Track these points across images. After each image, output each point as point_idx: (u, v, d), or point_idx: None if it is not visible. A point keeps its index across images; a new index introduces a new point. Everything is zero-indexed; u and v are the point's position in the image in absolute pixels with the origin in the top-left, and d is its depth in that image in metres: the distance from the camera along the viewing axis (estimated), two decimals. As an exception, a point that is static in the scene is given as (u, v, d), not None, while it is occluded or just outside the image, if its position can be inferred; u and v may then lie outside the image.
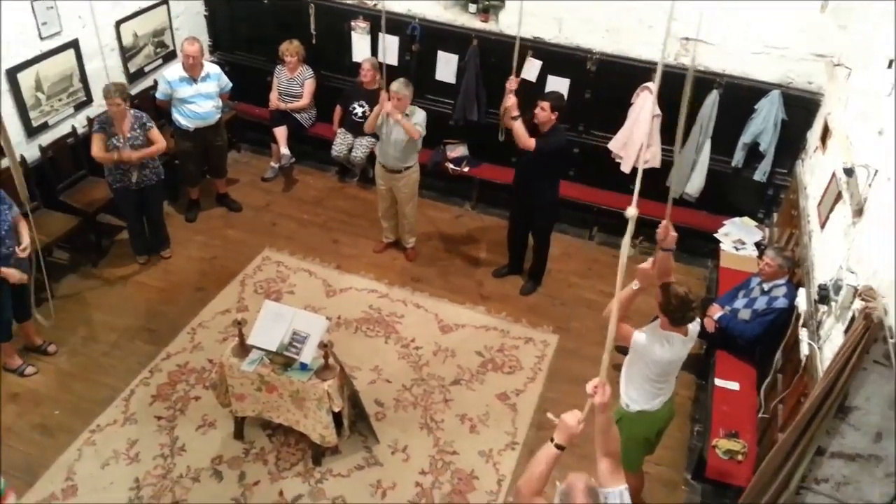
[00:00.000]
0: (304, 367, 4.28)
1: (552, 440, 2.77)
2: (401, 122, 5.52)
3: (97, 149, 5.42)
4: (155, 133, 5.60)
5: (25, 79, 5.50)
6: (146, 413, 4.83)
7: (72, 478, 4.41)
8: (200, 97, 6.04)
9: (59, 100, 5.88)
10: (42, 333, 5.22)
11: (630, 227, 2.44)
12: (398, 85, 5.52)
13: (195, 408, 4.88)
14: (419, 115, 5.68)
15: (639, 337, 3.70)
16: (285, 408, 4.41)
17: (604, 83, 6.19)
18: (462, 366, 5.32)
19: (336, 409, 4.33)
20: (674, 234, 3.64)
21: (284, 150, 6.94)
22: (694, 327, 3.71)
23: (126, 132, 5.39)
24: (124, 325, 5.50)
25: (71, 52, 5.85)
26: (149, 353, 5.26)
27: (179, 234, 6.39)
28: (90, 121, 6.09)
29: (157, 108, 6.33)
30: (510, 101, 5.21)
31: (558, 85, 6.23)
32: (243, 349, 4.39)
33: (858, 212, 3.94)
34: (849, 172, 4.04)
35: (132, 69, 6.57)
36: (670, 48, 5.67)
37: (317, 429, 4.37)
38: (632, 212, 2.39)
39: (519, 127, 5.19)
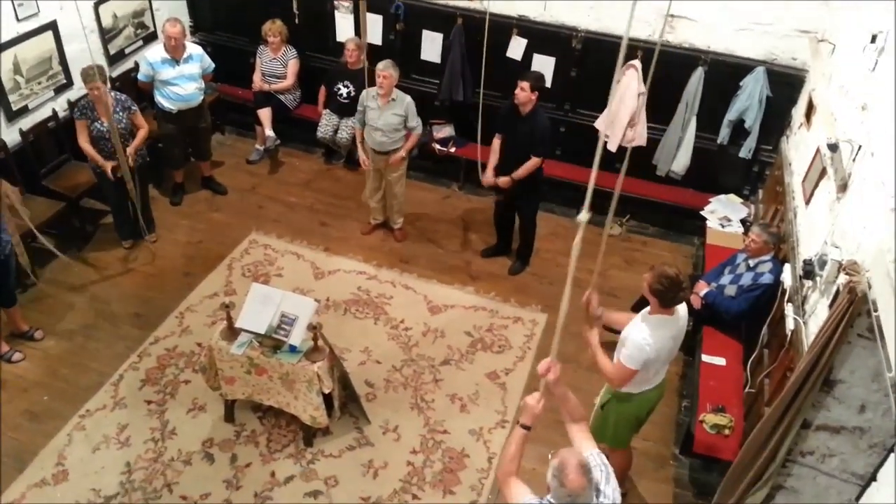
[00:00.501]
0: (293, 349, 4.28)
1: (518, 422, 3.02)
2: (404, 157, 5.81)
3: (83, 139, 5.40)
4: (139, 117, 5.55)
5: (3, 62, 5.42)
6: (136, 397, 4.82)
7: (62, 463, 4.40)
8: (183, 79, 5.96)
9: (39, 83, 5.79)
10: (28, 319, 5.19)
11: (580, 233, 2.54)
12: (385, 63, 5.48)
13: (185, 391, 4.88)
14: (411, 109, 5.68)
15: (627, 356, 3.60)
16: (275, 390, 4.42)
17: (589, 61, 6.18)
18: (451, 346, 5.34)
19: (326, 391, 4.34)
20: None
21: (269, 132, 6.88)
22: (682, 308, 3.70)
23: (108, 116, 5.32)
24: (111, 310, 5.46)
25: (49, 35, 5.75)
26: (137, 338, 5.24)
27: (165, 218, 6.34)
28: (71, 104, 6.01)
29: (138, 91, 6.25)
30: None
31: (544, 63, 6.21)
32: (232, 332, 4.38)
33: (843, 187, 3.97)
34: (833, 148, 4.07)
35: (112, 51, 6.48)
36: (656, 26, 5.66)
37: (307, 410, 4.39)
38: (584, 216, 2.49)
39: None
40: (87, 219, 6.16)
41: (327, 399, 4.42)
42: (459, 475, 4.49)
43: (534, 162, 5.40)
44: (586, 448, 2.95)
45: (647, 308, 3.67)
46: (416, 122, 5.74)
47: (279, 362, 4.28)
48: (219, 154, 7.08)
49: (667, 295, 3.51)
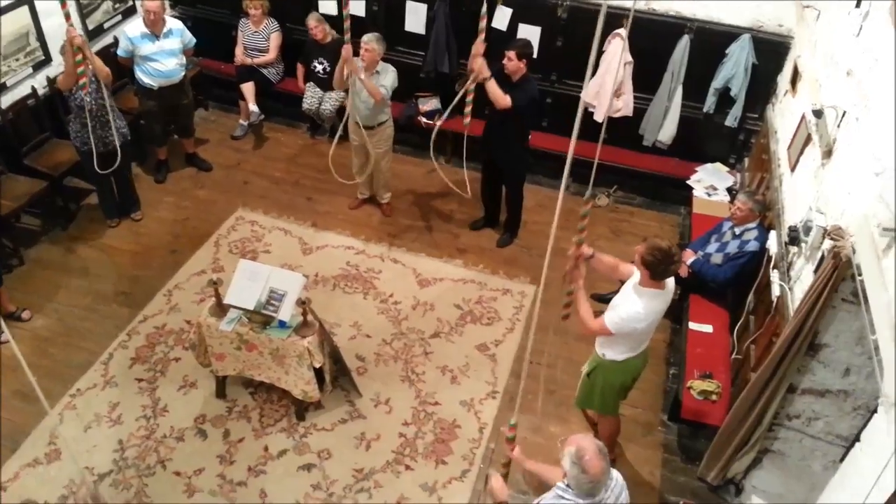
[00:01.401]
0: (282, 324, 4.28)
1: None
2: (364, 83, 5.39)
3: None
4: (97, 60, 5.31)
5: (-22, 38, 5.31)
6: (126, 376, 4.81)
7: (55, 442, 4.41)
8: (163, 54, 5.86)
9: (17, 59, 5.68)
10: (14, 300, 5.15)
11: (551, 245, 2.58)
12: (369, 36, 5.40)
13: (175, 369, 4.88)
14: (390, 76, 5.57)
15: (613, 317, 3.68)
16: (266, 365, 4.43)
17: (575, 31, 6.12)
18: (441, 319, 5.36)
19: (317, 365, 4.35)
20: (587, 251, 3.72)
21: (253, 107, 6.81)
22: (671, 280, 3.72)
23: (87, 88, 5.20)
24: (98, 289, 5.43)
25: (25, 10, 5.62)
26: (125, 317, 5.22)
27: (149, 196, 6.28)
28: (50, 80, 5.91)
29: (119, 66, 6.14)
30: (477, 63, 5.00)
31: (529, 33, 6.15)
32: (221, 309, 4.37)
33: (827, 153, 3.99)
34: (818, 114, 4.07)
35: (91, 26, 6.35)
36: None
37: (299, 385, 4.40)
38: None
39: (493, 87, 5.09)
40: (71, 197, 6.09)
41: (318, 373, 4.43)
42: (451, 445, 4.54)
43: (504, 99, 5.12)
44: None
45: (637, 278, 3.69)
46: (387, 83, 5.54)
47: (269, 338, 4.28)
48: (202, 130, 7.00)
49: (658, 267, 3.52)
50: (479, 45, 4.99)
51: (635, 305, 3.62)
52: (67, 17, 4.75)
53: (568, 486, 2.77)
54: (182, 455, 4.39)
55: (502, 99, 5.11)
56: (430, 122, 6.73)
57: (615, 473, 2.89)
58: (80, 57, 4.98)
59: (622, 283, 3.90)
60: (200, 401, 4.69)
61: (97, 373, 4.82)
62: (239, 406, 4.67)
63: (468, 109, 5.25)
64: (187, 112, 6.43)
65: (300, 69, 6.88)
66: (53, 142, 6.00)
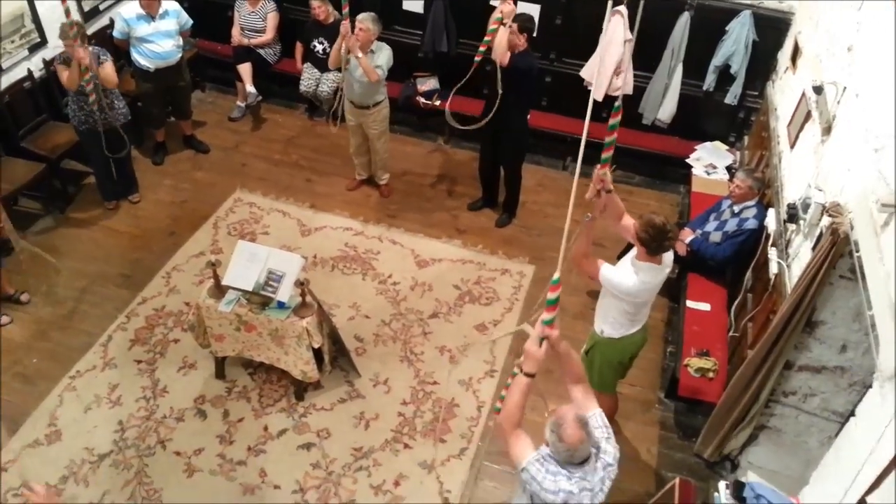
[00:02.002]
0: (281, 305, 4.29)
1: (521, 370, 2.94)
2: (360, 61, 5.34)
3: (67, 78, 5.20)
4: (107, 68, 5.31)
5: (-27, 20, 5.28)
6: (125, 357, 4.83)
7: (55, 423, 4.43)
8: (160, 35, 5.81)
9: (12, 41, 5.65)
10: (13, 283, 5.16)
11: None
12: (364, 16, 5.35)
13: (175, 350, 4.89)
14: (384, 54, 5.52)
15: (607, 272, 3.69)
16: (265, 346, 4.44)
17: (575, 8, 6.07)
18: (439, 299, 5.37)
19: (316, 346, 4.36)
20: (608, 177, 3.65)
21: (250, 88, 6.77)
22: (668, 255, 3.73)
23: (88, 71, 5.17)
24: (97, 271, 5.44)
25: (19, -9, 5.59)
26: (124, 299, 5.23)
27: (147, 179, 6.27)
28: (47, 63, 5.88)
29: (115, 48, 6.10)
30: (508, 7, 4.90)
31: (529, 11, 6.07)
32: (219, 290, 4.38)
33: (827, 129, 3.96)
34: (818, 90, 4.04)
35: (87, 7, 6.32)
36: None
37: (298, 365, 4.42)
38: None
39: (503, 35, 4.95)
40: (69, 180, 6.08)
41: (317, 354, 4.44)
42: (450, 424, 4.56)
43: (506, 55, 5.03)
44: (589, 408, 2.95)
45: (634, 252, 3.70)
46: (382, 63, 5.49)
47: (268, 319, 4.29)
48: (200, 112, 6.97)
49: (653, 243, 3.52)
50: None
51: (630, 278, 3.63)
52: (67, 13, 4.76)
53: (550, 454, 2.81)
54: (182, 435, 4.41)
55: (504, 50, 4.96)
56: (429, 102, 6.71)
57: (612, 448, 2.88)
58: (87, 77, 5.06)
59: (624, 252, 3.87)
60: (200, 382, 4.71)
61: (96, 355, 4.84)
62: (238, 386, 4.69)
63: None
64: (184, 94, 6.40)
65: (299, 48, 6.82)
66: (51, 124, 5.98)
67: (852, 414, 3.03)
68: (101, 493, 4.11)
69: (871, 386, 2.87)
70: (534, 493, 2.82)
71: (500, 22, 4.94)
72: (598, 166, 3.63)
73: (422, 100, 6.71)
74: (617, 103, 3.44)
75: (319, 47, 6.61)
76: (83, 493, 4.10)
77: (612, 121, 3.45)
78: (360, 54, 5.32)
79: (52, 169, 5.77)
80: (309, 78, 6.72)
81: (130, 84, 6.26)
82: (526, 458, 2.81)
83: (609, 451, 2.86)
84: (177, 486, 4.17)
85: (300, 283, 4.26)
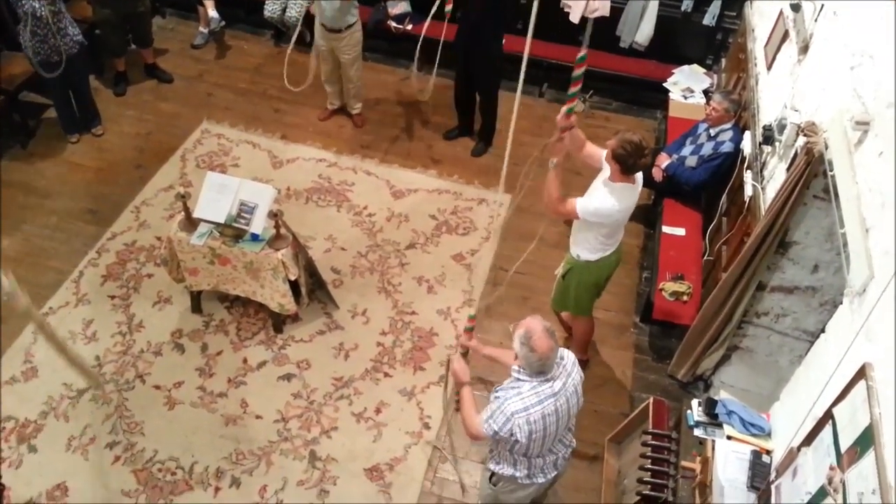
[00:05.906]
0: (255, 237, 4.23)
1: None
2: None
3: None
4: None
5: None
6: (98, 293, 4.76)
7: (30, 360, 4.39)
8: (115, -44, 5.51)
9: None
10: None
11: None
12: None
13: (148, 285, 4.83)
14: None
15: (584, 204, 3.66)
16: (241, 279, 4.40)
17: (550, -75, 5.85)
18: (416, 230, 5.34)
19: (292, 278, 4.33)
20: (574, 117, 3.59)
21: (213, 13, 6.47)
22: (639, 175, 3.71)
23: None
24: (63, 207, 5.30)
25: None
26: (93, 234, 5.12)
27: (110, 110, 6.05)
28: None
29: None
30: None
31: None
32: (191, 223, 4.29)
33: (804, 48, 3.91)
34: (795, 8, 3.97)
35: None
36: None
37: (275, 298, 4.39)
38: None
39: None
40: (29, 113, 5.84)
41: (294, 286, 4.42)
42: (429, 352, 4.60)
43: None
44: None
45: (607, 173, 3.66)
46: None
47: (242, 251, 4.23)
48: (161, 39, 6.69)
49: (629, 160, 3.49)
50: None
51: (608, 199, 3.61)
52: None
53: (521, 367, 2.86)
54: (161, 369, 4.41)
55: None
56: (400, 26, 6.49)
57: (566, 352, 3.01)
58: None
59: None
60: (176, 316, 4.68)
61: (69, 291, 4.77)
62: (216, 320, 4.67)
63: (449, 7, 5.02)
64: (144, 19, 6.10)
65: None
66: (5, 54, 5.71)
67: (822, 331, 3.09)
68: (81, 426, 4.12)
69: (841, 304, 2.93)
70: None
71: None
72: (562, 112, 3.53)
73: (393, 24, 6.49)
74: (582, 53, 3.30)
75: (286, -33, 6.32)
76: (64, 428, 4.11)
77: (576, 72, 3.34)
78: None
79: (10, 101, 5.54)
80: (273, 3, 6.44)
81: (87, 10, 5.96)
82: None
83: (566, 356, 3.00)
84: (158, 418, 4.19)
85: (274, 215, 4.18)
